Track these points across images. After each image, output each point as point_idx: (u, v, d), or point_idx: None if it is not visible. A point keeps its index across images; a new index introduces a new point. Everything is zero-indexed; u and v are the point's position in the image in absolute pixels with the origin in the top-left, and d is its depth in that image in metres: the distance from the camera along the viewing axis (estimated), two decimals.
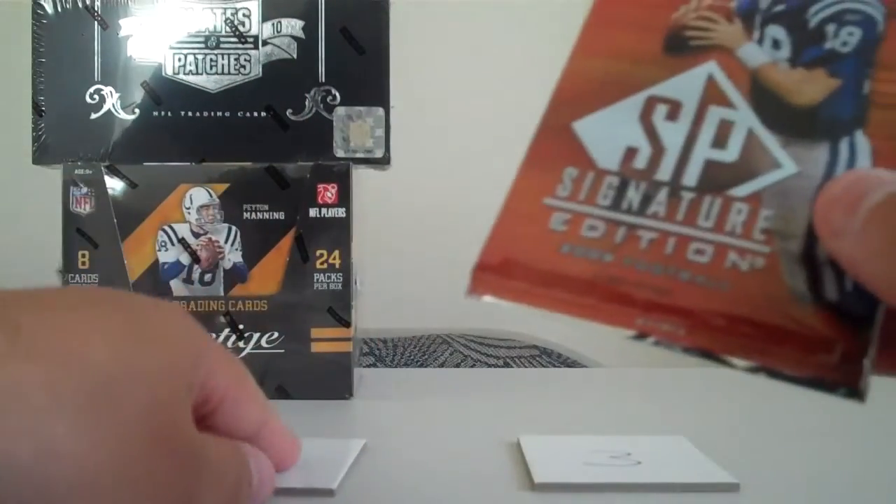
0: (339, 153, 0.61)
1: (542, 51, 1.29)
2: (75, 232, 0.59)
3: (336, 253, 0.59)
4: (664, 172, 0.23)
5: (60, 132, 0.60)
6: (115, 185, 0.59)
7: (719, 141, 0.24)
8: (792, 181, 0.23)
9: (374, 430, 0.52)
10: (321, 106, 0.61)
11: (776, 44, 0.25)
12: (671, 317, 0.21)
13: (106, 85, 0.60)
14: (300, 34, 0.61)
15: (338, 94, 0.61)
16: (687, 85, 0.24)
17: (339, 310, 0.59)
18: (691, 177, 0.23)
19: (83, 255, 0.59)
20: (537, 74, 1.36)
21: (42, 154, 0.60)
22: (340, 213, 0.60)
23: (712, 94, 0.24)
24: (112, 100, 0.60)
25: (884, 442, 0.48)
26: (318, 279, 0.59)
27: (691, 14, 0.26)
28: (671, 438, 0.45)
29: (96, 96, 0.60)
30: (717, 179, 0.23)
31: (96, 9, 0.60)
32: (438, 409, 0.57)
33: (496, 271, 0.23)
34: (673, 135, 0.24)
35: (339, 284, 0.59)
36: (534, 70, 1.28)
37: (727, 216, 0.23)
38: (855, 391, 0.21)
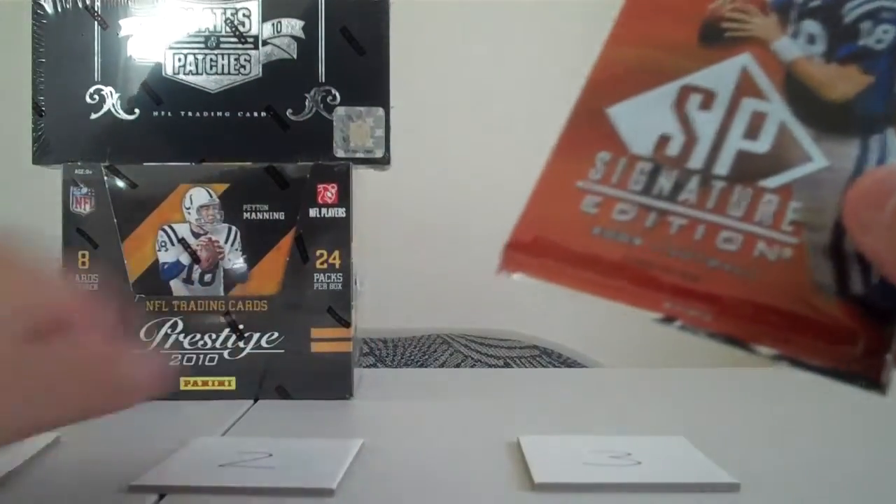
0: (339, 153, 0.61)
1: (542, 50, 1.29)
2: (75, 232, 0.59)
3: (336, 253, 0.59)
4: (696, 161, 0.24)
5: (60, 132, 0.60)
6: (115, 185, 0.59)
7: (751, 132, 0.24)
8: (822, 174, 0.23)
9: (374, 430, 0.52)
10: (321, 106, 0.61)
11: (811, 39, 0.25)
12: (698, 302, 0.22)
13: (106, 85, 0.60)
14: (300, 34, 0.61)
15: (338, 94, 0.61)
16: (721, 76, 0.25)
17: (339, 310, 0.59)
18: (723, 166, 0.24)
19: (83, 255, 0.59)
20: (537, 74, 1.36)
21: (42, 154, 0.60)
22: (340, 213, 0.60)
23: (746, 86, 0.24)
24: (112, 100, 0.60)
25: (884, 442, 0.48)
26: (318, 279, 0.59)
27: (728, 5, 0.26)
28: (671, 438, 0.45)
29: (96, 96, 0.60)
30: (748, 170, 0.23)
31: (96, 9, 0.60)
32: (438, 409, 0.57)
33: (527, 250, 0.23)
34: (706, 124, 0.24)
35: (339, 284, 0.59)
36: (534, 69, 1.28)
37: (757, 206, 0.23)
38: (876, 384, 0.21)
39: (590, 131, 0.25)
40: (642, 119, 0.24)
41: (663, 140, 0.24)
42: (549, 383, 0.71)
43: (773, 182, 0.23)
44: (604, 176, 0.24)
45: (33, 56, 0.60)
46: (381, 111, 0.61)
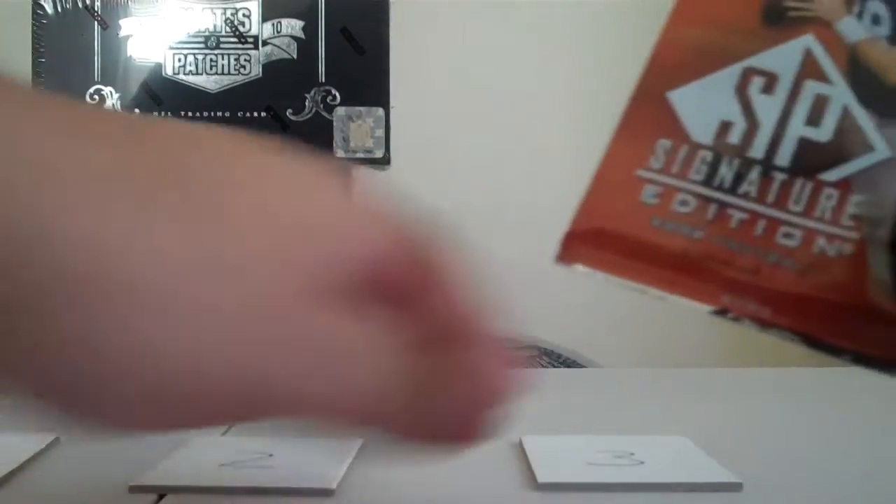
0: (339, 153, 0.61)
1: (542, 50, 1.29)
2: None
3: None
4: (757, 149, 0.23)
5: None
6: None
7: (814, 118, 0.23)
8: (883, 166, 0.23)
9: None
10: (321, 106, 0.61)
11: (876, 19, 0.24)
12: (757, 297, 0.22)
13: (106, 85, 0.60)
14: (300, 34, 0.61)
15: (338, 95, 0.61)
16: (784, 57, 0.24)
17: None
18: (784, 157, 0.23)
19: None
20: (538, 74, 1.36)
21: None
22: None
23: (809, 68, 0.24)
24: (112, 100, 0.60)
25: (887, 442, 0.48)
26: None
27: None
28: (673, 438, 0.45)
29: (96, 96, 0.60)
30: (809, 161, 0.23)
31: (96, 9, 0.60)
32: None
33: (586, 240, 0.23)
34: (768, 109, 0.24)
35: None
36: (534, 69, 1.28)
37: (817, 201, 0.23)
38: None
39: (650, 116, 0.24)
40: (704, 104, 0.24)
41: (724, 126, 0.24)
42: (550, 383, 0.71)
43: (833, 175, 0.23)
44: (664, 165, 0.23)
45: (33, 56, 0.60)
46: (381, 111, 0.61)
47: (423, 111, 1.08)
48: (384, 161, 0.61)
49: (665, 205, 0.23)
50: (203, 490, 0.37)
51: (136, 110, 0.60)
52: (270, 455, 0.42)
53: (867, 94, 0.24)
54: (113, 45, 0.60)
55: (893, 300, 0.21)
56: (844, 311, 0.21)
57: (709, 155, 0.24)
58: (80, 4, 0.60)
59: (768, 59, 0.24)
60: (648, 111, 0.24)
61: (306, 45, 0.61)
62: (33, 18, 0.60)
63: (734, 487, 0.37)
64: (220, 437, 0.49)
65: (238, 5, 0.61)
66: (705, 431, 0.47)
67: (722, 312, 0.22)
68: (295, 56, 0.61)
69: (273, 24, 0.61)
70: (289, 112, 0.61)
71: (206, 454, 0.43)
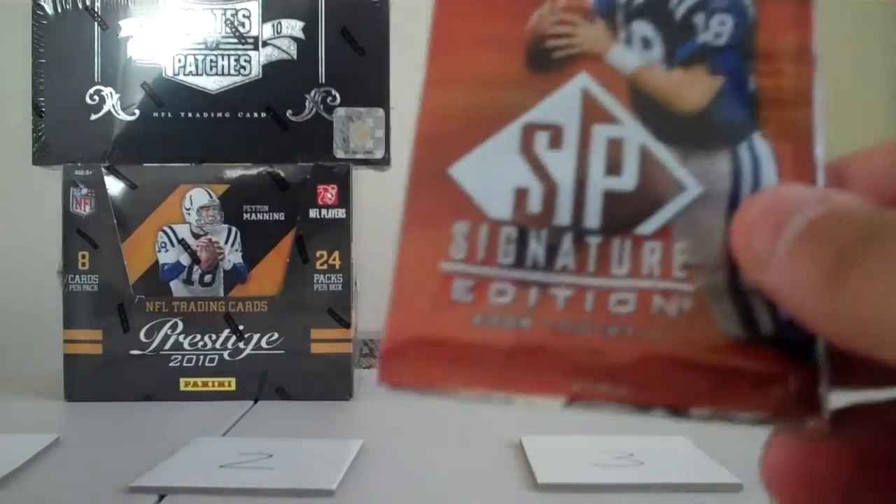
0: (339, 154, 0.61)
1: None
2: (75, 233, 0.59)
3: (336, 254, 0.59)
4: (563, 215, 0.21)
5: (60, 133, 0.60)
6: (115, 185, 0.59)
7: (612, 165, 0.21)
8: (700, 204, 0.21)
9: (375, 430, 0.51)
10: (321, 107, 0.61)
11: (646, 42, 0.22)
12: (608, 376, 0.19)
13: (106, 86, 0.60)
14: (300, 35, 0.61)
15: (338, 95, 0.61)
16: (563, 104, 0.21)
17: (339, 311, 0.59)
18: (593, 216, 0.21)
19: (83, 256, 0.59)
20: None
21: (42, 155, 0.60)
22: (340, 214, 0.60)
23: (592, 111, 0.21)
24: (112, 101, 0.60)
25: None
26: (318, 280, 0.59)
27: (547, 20, 0.22)
28: (674, 439, 0.45)
29: (96, 97, 0.60)
30: (620, 216, 0.21)
31: (96, 9, 0.60)
32: (439, 409, 0.57)
33: (407, 356, 0.20)
34: (562, 165, 0.21)
35: (339, 285, 0.59)
36: None
37: (641, 258, 0.20)
38: (819, 419, 0.19)
39: (436, 199, 0.21)
40: (491, 174, 0.21)
41: (521, 194, 0.21)
42: None
43: (650, 226, 0.20)
44: (468, 252, 0.21)
45: (33, 56, 0.60)
46: (381, 112, 0.61)
47: None
48: (384, 162, 0.61)
49: (481, 299, 0.20)
50: (203, 490, 0.37)
51: (137, 111, 0.60)
52: (270, 456, 0.42)
53: (661, 127, 0.21)
54: (113, 46, 0.60)
55: (751, 351, 0.19)
56: (703, 374, 0.19)
57: (513, 231, 0.21)
58: (80, 5, 0.60)
59: (546, 109, 0.21)
60: (432, 194, 0.21)
61: (306, 45, 0.61)
62: (33, 18, 0.60)
63: (734, 488, 0.38)
64: (220, 437, 0.49)
65: (238, 6, 0.61)
66: (705, 432, 0.47)
67: (575, 401, 0.19)
68: (295, 56, 0.61)
69: (273, 25, 0.61)
70: (289, 113, 0.61)
71: (205, 454, 0.43)
